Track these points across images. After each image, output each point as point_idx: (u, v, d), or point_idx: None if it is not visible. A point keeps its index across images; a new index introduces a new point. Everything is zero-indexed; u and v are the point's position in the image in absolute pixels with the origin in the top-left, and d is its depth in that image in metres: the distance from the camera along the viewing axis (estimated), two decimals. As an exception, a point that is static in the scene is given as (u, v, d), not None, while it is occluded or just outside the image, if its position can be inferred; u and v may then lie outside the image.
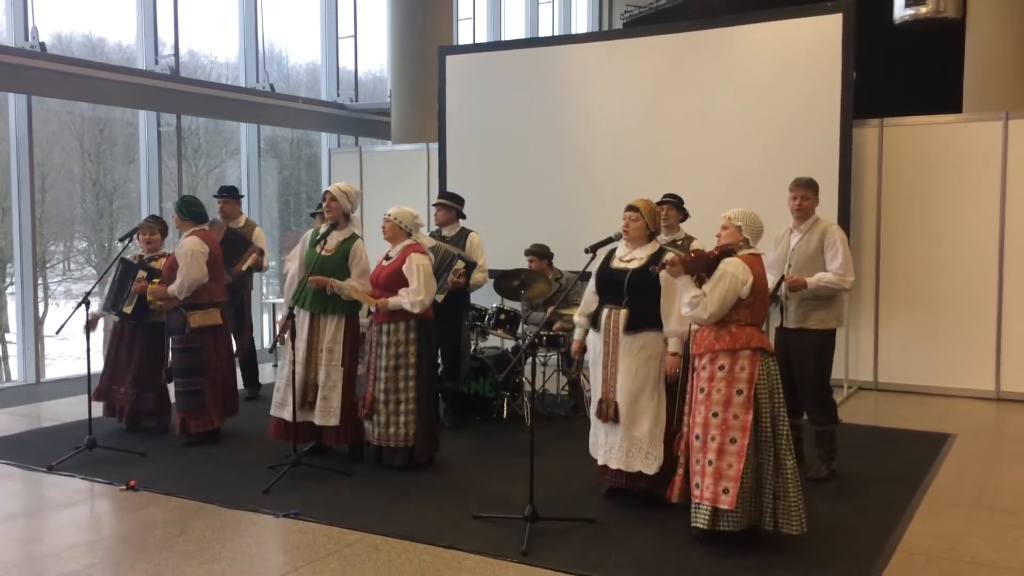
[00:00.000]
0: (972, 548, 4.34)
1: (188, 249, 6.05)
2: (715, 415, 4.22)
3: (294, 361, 5.55)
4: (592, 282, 4.97)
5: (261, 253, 7.47)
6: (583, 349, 5.08)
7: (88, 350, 5.97)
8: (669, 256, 4.45)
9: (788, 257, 5.39)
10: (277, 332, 8.01)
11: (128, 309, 6.30)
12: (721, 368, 4.25)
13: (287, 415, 5.65)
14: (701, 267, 4.33)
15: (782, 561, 4.13)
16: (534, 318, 7.22)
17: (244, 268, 7.34)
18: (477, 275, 6.65)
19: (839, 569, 4.06)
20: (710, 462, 4.19)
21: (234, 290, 7.44)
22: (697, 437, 4.28)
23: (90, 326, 6.11)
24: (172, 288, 6.03)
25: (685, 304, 4.33)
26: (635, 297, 4.74)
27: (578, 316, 5.07)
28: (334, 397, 5.66)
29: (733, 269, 4.27)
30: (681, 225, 6.50)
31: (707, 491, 4.19)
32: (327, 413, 5.66)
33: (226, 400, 6.38)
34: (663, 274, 4.65)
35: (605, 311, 4.85)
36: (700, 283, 4.36)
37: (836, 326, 5.38)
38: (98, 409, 6.39)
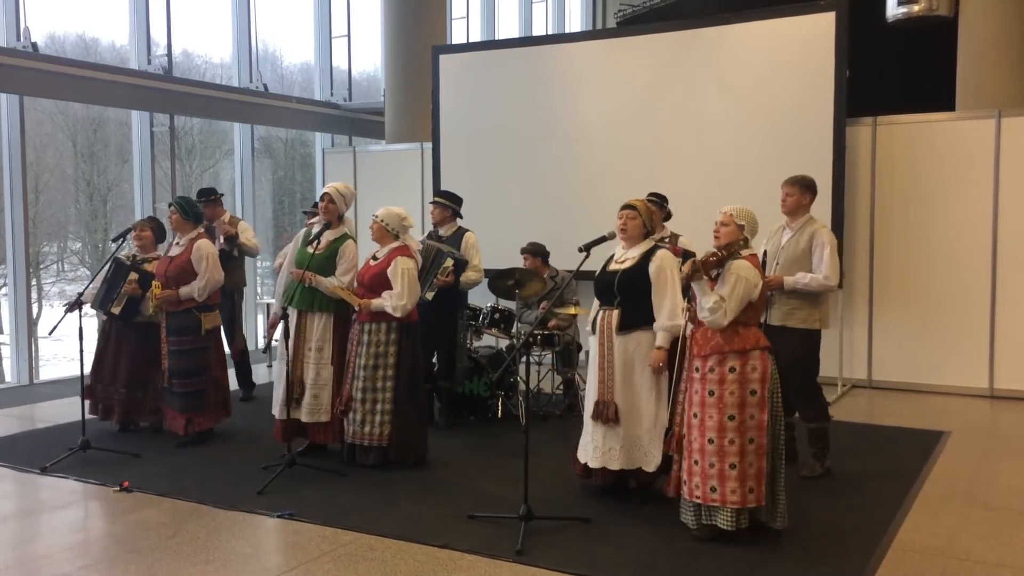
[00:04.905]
0: (966, 545, 4.34)
1: (207, 252, 6.08)
2: (731, 418, 4.18)
3: (288, 360, 5.55)
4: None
5: (228, 228, 7.36)
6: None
7: (81, 351, 5.94)
8: (689, 264, 4.34)
9: (777, 254, 5.41)
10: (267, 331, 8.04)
11: (116, 310, 6.28)
12: (732, 370, 4.22)
13: (276, 413, 5.67)
14: (713, 268, 4.31)
15: (777, 558, 4.14)
16: (528, 317, 7.22)
17: (222, 242, 7.25)
18: (471, 274, 6.64)
19: (834, 566, 4.06)
20: (732, 465, 4.16)
21: (226, 291, 7.42)
22: (711, 441, 4.21)
23: (73, 307, 5.97)
24: (188, 291, 6.03)
25: (704, 310, 4.24)
26: (626, 297, 4.74)
27: (589, 325, 5.06)
28: (324, 395, 5.67)
29: (746, 273, 4.25)
30: (666, 224, 6.49)
31: (733, 494, 4.16)
32: (317, 410, 5.67)
33: (223, 402, 6.36)
34: (652, 270, 4.66)
35: (600, 313, 4.86)
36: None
37: (819, 327, 5.34)
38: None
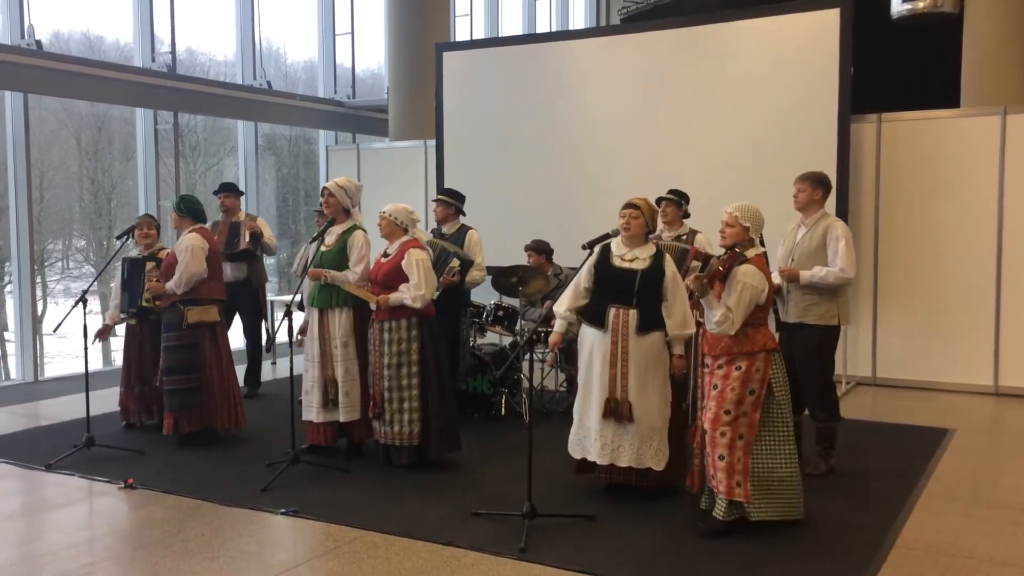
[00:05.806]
0: (970, 543, 4.34)
1: (188, 244, 6.03)
2: (727, 412, 4.34)
3: (292, 360, 5.55)
4: (584, 278, 4.91)
5: (255, 224, 7.48)
6: (561, 343, 5.12)
7: (86, 349, 5.95)
8: (694, 280, 4.36)
9: (792, 251, 5.40)
10: (274, 331, 8.07)
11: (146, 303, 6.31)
12: (738, 368, 4.36)
13: (314, 417, 5.67)
14: (720, 277, 4.34)
15: (780, 556, 4.14)
16: (532, 314, 7.21)
17: (247, 240, 7.35)
18: (475, 273, 6.64)
19: (838, 564, 4.06)
20: (721, 456, 4.33)
21: (252, 287, 7.47)
22: (706, 432, 4.41)
23: (102, 335, 6.10)
24: (171, 283, 6.02)
25: (712, 322, 4.36)
26: (645, 298, 4.76)
27: (564, 310, 4.97)
28: (355, 391, 5.66)
29: (751, 280, 4.33)
30: (684, 221, 6.46)
31: (721, 484, 4.33)
32: (350, 408, 5.66)
33: (228, 408, 6.14)
34: (669, 276, 4.72)
35: (612, 311, 4.80)
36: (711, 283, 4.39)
37: (838, 323, 5.32)
38: (104, 408, 6.36)
